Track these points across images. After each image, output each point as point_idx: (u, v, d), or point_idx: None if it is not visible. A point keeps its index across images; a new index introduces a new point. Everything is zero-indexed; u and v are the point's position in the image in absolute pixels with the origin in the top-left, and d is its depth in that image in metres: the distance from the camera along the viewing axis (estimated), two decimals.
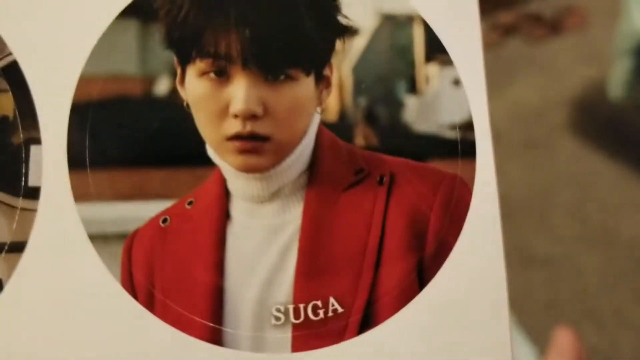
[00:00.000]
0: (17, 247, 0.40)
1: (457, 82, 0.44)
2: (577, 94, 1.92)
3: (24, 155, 0.40)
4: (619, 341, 1.51)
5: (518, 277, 1.56)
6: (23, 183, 0.40)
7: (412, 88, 0.44)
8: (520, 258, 1.60)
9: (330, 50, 0.43)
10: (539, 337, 1.20)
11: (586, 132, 1.84)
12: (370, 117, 0.43)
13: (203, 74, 0.41)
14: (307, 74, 0.42)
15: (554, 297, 1.57)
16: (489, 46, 1.99)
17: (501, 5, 2.03)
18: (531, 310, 1.50)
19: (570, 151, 1.81)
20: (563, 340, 0.88)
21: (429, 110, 0.44)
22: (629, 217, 1.68)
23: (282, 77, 0.41)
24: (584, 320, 1.52)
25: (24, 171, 0.40)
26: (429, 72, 0.44)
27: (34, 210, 0.40)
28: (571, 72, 1.96)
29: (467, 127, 0.43)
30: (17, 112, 0.41)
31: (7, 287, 0.39)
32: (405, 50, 0.45)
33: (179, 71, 0.42)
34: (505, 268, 0.42)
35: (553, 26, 2.05)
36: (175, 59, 0.42)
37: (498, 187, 0.43)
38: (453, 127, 0.44)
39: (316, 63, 0.42)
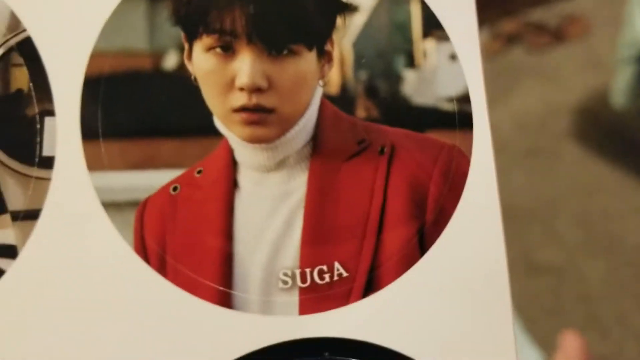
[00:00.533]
0: (32, 215, 0.41)
1: (453, 57, 0.46)
2: (581, 101, 1.92)
3: (38, 126, 0.42)
4: (623, 348, 1.51)
5: (523, 284, 1.57)
6: (38, 153, 0.42)
7: (411, 62, 0.46)
8: (524, 265, 1.61)
9: (331, 26, 0.45)
10: (543, 344, 1.21)
11: (590, 140, 1.85)
12: (370, 90, 0.45)
13: (209, 49, 0.43)
14: (310, 49, 0.44)
15: (559, 303, 1.58)
16: (492, 55, 2.01)
17: (504, 14, 2.04)
18: (536, 317, 1.50)
19: (574, 158, 1.82)
20: (570, 344, 0.89)
21: (427, 83, 0.46)
22: (633, 224, 1.69)
23: (285, 51, 0.43)
24: (588, 327, 1.53)
25: (38, 142, 0.42)
26: (427, 48, 0.46)
27: (48, 179, 0.42)
28: (574, 80, 1.96)
29: (464, 99, 0.45)
30: (31, 86, 0.42)
31: (22, 254, 0.41)
32: (403, 27, 0.46)
33: (186, 47, 0.44)
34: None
35: (556, 34, 2.06)
36: (182, 35, 0.44)
37: (498, 185, 0.44)
38: (450, 99, 0.45)
39: (318, 38, 0.44)
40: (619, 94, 1.75)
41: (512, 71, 1.98)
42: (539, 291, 1.59)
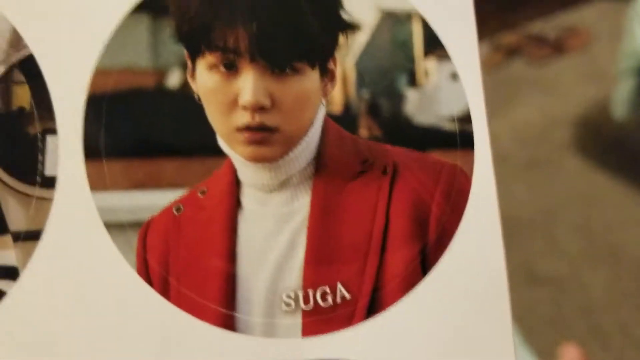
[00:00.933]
0: (33, 235, 0.41)
1: (454, 76, 0.46)
2: (581, 113, 1.93)
3: (40, 145, 0.42)
4: (625, 359, 1.51)
5: (523, 295, 1.57)
6: (39, 172, 0.42)
7: (412, 81, 0.46)
8: (525, 276, 1.61)
9: (333, 44, 0.45)
10: (544, 355, 1.20)
11: (590, 151, 1.85)
12: (373, 109, 0.45)
13: (213, 67, 0.43)
14: (312, 67, 0.44)
15: (560, 314, 1.58)
16: (492, 67, 2.01)
17: (504, 27, 2.04)
18: (536, 328, 1.50)
19: (574, 170, 1.82)
20: (570, 356, 0.89)
21: (428, 102, 0.46)
22: (633, 235, 1.69)
23: (288, 70, 0.43)
24: (590, 338, 1.53)
25: (40, 161, 0.42)
26: (428, 67, 0.46)
27: (50, 199, 0.41)
28: (574, 92, 1.97)
29: (465, 119, 0.45)
30: (33, 104, 0.42)
31: (23, 275, 0.41)
32: (405, 46, 0.46)
33: (189, 64, 0.44)
34: (508, 280, 0.44)
35: (556, 47, 2.06)
36: (185, 52, 0.44)
37: (499, 196, 0.44)
38: (452, 119, 0.45)
39: (320, 57, 0.44)
40: (619, 106, 1.75)
41: (512, 83, 1.99)
42: (540, 302, 1.59)
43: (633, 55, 1.65)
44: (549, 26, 2.09)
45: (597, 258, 1.66)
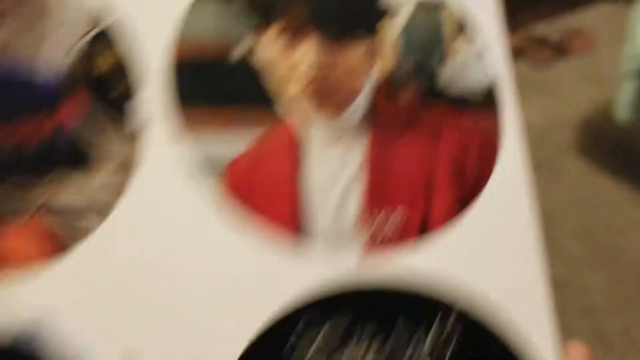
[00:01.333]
0: (125, 178, 0.49)
1: (480, 55, 0.55)
2: (583, 116, 1.96)
3: (130, 102, 0.50)
4: None
5: None
6: (130, 126, 0.49)
7: (446, 57, 0.55)
8: None
9: (381, 22, 0.54)
10: None
11: (592, 154, 1.89)
12: (413, 79, 0.54)
13: (279, 34, 0.51)
14: (365, 38, 0.53)
15: (561, 317, 1.60)
16: None
17: (506, 29, 2.08)
18: None
19: (576, 173, 1.87)
20: (576, 354, 0.93)
21: (460, 76, 0.55)
22: (635, 238, 1.74)
23: (345, 38, 0.52)
24: (591, 341, 1.53)
25: (130, 115, 0.49)
26: (458, 46, 0.55)
27: (140, 148, 0.49)
28: (577, 95, 2.00)
29: (493, 89, 0.55)
30: (122, 66, 0.50)
31: (112, 215, 0.48)
32: (438, 28, 0.56)
33: (259, 32, 0.52)
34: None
35: (559, 49, 2.09)
36: (256, 22, 0.52)
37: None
38: (482, 87, 0.55)
39: (372, 29, 0.53)
40: (621, 108, 1.76)
41: (515, 85, 2.02)
42: None
43: (635, 58, 1.67)
44: (551, 28, 2.12)
45: (599, 261, 1.69)
